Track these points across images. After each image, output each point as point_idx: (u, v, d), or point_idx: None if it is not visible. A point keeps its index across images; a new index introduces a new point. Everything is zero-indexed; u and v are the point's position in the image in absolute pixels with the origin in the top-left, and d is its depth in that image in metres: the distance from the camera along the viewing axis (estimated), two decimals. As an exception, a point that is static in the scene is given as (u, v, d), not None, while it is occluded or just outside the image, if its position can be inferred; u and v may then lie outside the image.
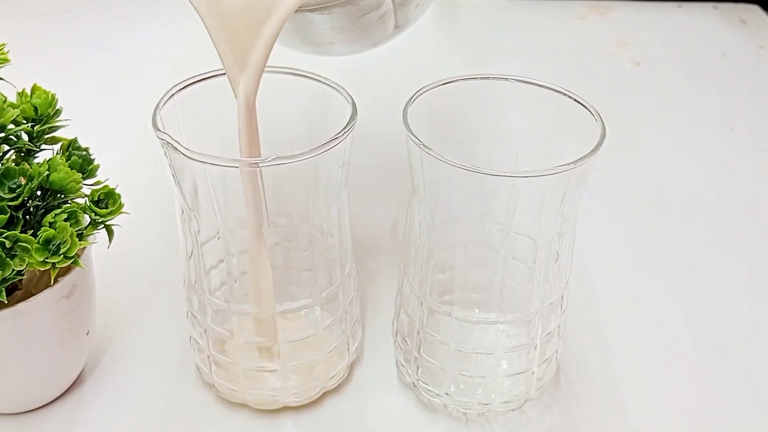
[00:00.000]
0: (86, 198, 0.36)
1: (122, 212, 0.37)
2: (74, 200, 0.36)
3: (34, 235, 0.33)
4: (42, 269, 0.34)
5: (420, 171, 0.35)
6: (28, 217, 0.35)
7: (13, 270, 0.33)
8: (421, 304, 0.38)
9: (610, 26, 0.86)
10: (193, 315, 0.39)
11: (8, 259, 0.33)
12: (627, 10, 0.89)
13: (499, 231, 0.36)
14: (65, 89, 0.41)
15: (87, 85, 0.70)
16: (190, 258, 0.37)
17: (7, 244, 0.33)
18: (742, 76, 0.77)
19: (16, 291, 0.37)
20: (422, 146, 0.33)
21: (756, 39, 0.83)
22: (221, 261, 0.38)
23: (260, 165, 0.33)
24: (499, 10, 0.89)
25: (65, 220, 0.34)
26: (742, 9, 0.89)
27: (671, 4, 0.90)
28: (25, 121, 0.36)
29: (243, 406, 0.40)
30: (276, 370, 0.38)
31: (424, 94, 0.37)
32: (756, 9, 0.89)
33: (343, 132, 0.34)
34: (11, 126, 0.35)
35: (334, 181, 0.36)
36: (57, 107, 0.38)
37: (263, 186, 0.34)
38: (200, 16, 0.32)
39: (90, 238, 0.36)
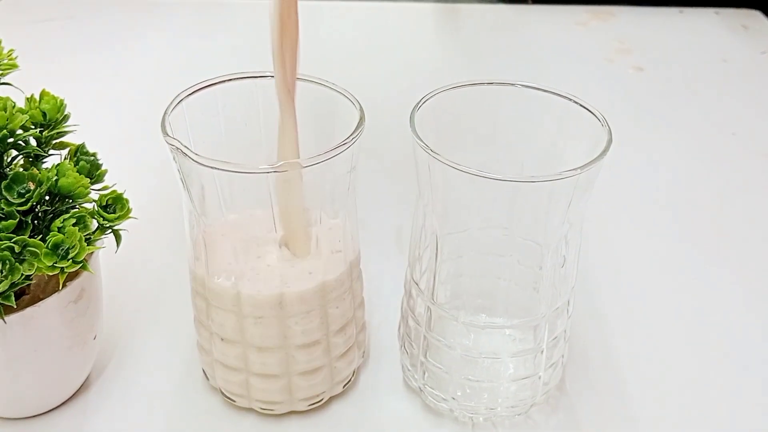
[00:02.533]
0: (94, 203, 0.36)
1: (130, 217, 0.37)
2: (82, 205, 0.36)
3: (43, 240, 0.33)
4: (50, 274, 0.34)
5: (427, 176, 0.35)
6: (36, 222, 0.35)
7: (23, 275, 0.33)
8: (428, 308, 0.38)
9: (612, 32, 0.86)
10: (200, 319, 0.39)
11: (17, 263, 0.33)
12: (629, 16, 0.89)
13: (505, 236, 0.36)
14: (72, 94, 0.41)
15: (94, 90, 0.70)
16: (197, 262, 0.37)
17: (17, 248, 0.33)
18: (744, 81, 0.77)
19: (23, 295, 0.37)
20: (430, 151, 0.34)
21: (758, 44, 0.83)
22: (229, 264, 0.38)
23: (269, 172, 0.33)
24: (501, 16, 0.89)
25: (74, 225, 0.34)
26: (744, 15, 0.90)
27: (673, 10, 0.91)
28: (33, 127, 0.37)
29: (249, 410, 0.40)
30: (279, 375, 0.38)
31: (431, 99, 0.37)
32: (758, 15, 0.90)
33: (350, 138, 0.34)
34: (20, 131, 0.35)
35: (341, 186, 0.36)
36: (65, 112, 0.38)
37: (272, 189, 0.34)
38: None
39: (98, 243, 0.37)
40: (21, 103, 0.37)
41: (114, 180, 0.38)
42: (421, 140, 0.34)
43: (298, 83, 0.37)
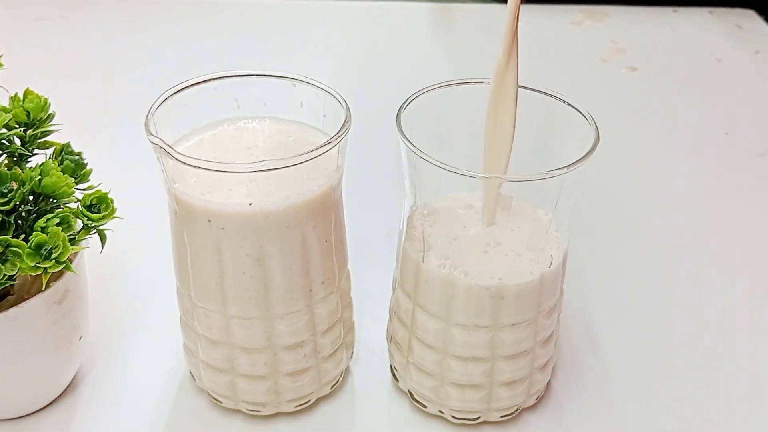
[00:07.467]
0: (79, 203, 0.36)
1: (115, 217, 0.36)
2: (66, 205, 0.36)
3: (26, 239, 0.33)
4: (34, 274, 0.34)
5: (414, 175, 0.35)
6: (20, 221, 0.35)
7: (5, 275, 0.33)
8: (415, 309, 0.38)
9: (606, 32, 0.86)
10: (186, 321, 0.39)
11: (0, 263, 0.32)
12: (623, 15, 0.89)
13: (492, 236, 0.36)
14: (59, 94, 0.40)
15: (81, 89, 0.70)
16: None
17: (-1, 248, 0.32)
18: (737, 81, 0.77)
19: (8, 296, 0.37)
20: (415, 150, 0.33)
21: (751, 44, 0.83)
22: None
23: (253, 171, 0.33)
24: (494, 15, 0.89)
25: (57, 225, 0.34)
26: (738, 14, 0.90)
27: (667, 10, 0.90)
28: (17, 126, 0.36)
29: (237, 412, 0.40)
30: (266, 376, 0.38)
31: (418, 98, 0.37)
32: (752, 14, 0.90)
33: (336, 136, 0.34)
34: (3, 130, 0.35)
35: (329, 185, 0.36)
36: (49, 112, 0.37)
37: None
38: None
39: (82, 243, 0.36)
40: (5, 102, 0.37)
41: (99, 180, 0.38)
42: (407, 139, 0.34)
43: (284, 81, 0.37)
